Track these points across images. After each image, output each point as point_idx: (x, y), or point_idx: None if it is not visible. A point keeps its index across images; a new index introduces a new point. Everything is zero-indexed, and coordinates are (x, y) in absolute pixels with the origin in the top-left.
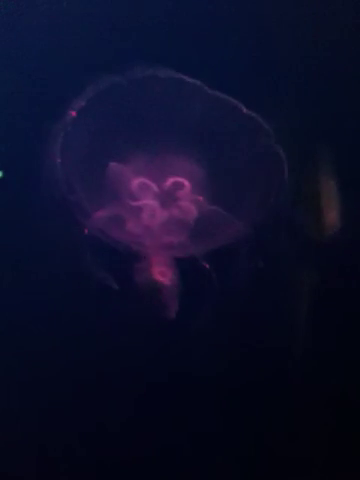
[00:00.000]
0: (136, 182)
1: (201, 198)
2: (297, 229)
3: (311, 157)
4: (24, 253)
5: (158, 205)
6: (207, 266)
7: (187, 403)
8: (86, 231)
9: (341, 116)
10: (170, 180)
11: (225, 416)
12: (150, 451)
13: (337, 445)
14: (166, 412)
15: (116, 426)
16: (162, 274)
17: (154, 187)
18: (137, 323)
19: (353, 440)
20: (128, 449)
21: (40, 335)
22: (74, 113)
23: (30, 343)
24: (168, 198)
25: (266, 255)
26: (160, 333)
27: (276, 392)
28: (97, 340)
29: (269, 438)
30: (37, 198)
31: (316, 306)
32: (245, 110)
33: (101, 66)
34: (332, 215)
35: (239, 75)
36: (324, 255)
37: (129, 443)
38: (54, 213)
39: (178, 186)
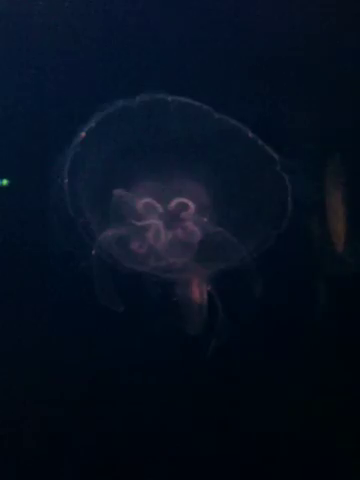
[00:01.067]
0: (142, 202)
1: (205, 220)
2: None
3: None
4: (29, 272)
5: (163, 225)
6: (210, 289)
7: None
8: (93, 252)
9: (348, 134)
10: (175, 201)
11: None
12: None
13: None
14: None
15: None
16: (194, 292)
17: (159, 208)
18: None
19: None
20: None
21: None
22: (83, 134)
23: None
24: (173, 219)
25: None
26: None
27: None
28: (101, 359)
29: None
30: (44, 220)
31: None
32: (251, 135)
33: (111, 89)
34: (345, 226)
35: (247, 100)
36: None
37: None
38: (61, 234)
39: (183, 207)
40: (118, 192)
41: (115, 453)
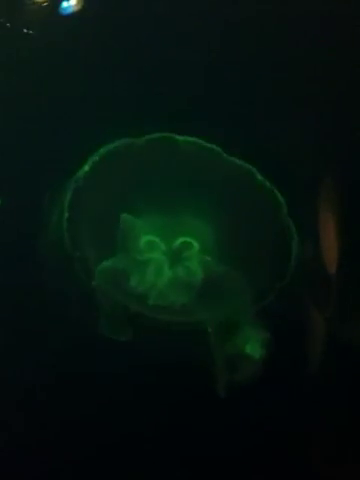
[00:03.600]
0: (145, 240)
1: (209, 259)
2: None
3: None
4: (22, 305)
5: (165, 262)
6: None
7: None
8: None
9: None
10: (179, 240)
11: None
12: None
13: None
14: None
15: None
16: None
17: (162, 245)
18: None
19: None
20: None
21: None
22: (87, 168)
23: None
24: (175, 257)
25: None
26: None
27: None
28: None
29: None
30: (39, 254)
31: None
32: (259, 177)
33: (119, 124)
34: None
35: (254, 142)
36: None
37: None
38: (56, 270)
39: (187, 246)
40: (124, 221)
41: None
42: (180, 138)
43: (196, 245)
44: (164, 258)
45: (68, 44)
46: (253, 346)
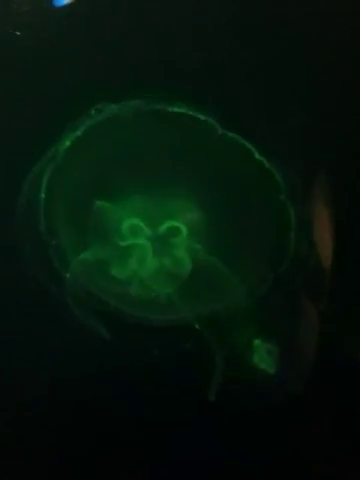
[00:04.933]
0: (127, 224)
1: (199, 246)
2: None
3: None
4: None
5: (149, 249)
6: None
7: None
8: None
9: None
10: (166, 224)
11: None
12: None
13: None
14: None
15: None
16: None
17: (147, 230)
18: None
19: None
20: None
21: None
22: (68, 143)
23: None
24: (161, 244)
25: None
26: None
27: None
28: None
29: None
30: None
31: None
32: (258, 156)
33: (103, 94)
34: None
35: (256, 115)
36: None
37: None
38: (29, 257)
39: (174, 232)
40: (101, 205)
41: None
42: (171, 109)
43: (184, 230)
44: (149, 244)
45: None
46: (261, 357)
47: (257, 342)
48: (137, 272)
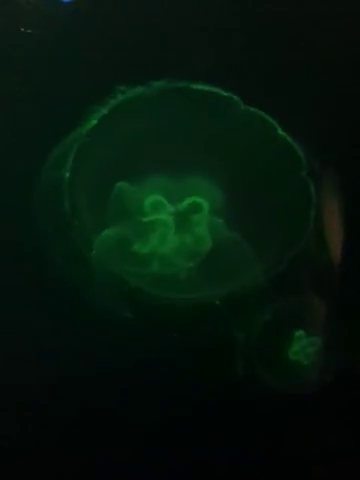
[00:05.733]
0: (150, 200)
1: (220, 221)
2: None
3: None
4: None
5: (171, 224)
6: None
7: None
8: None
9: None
10: (187, 200)
11: None
12: None
13: None
14: None
15: None
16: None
17: (169, 206)
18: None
19: None
20: None
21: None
22: (94, 122)
23: None
24: (183, 220)
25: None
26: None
27: None
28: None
29: None
30: (36, 223)
31: None
32: (281, 132)
33: (126, 74)
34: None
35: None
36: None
37: None
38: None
39: (196, 207)
40: (124, 183)
41: None
42: (195, 87)
43: (206, 206)
44: (171, 219)
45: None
46: (300, 348)
47: (299, 333)
48: (158, 247)
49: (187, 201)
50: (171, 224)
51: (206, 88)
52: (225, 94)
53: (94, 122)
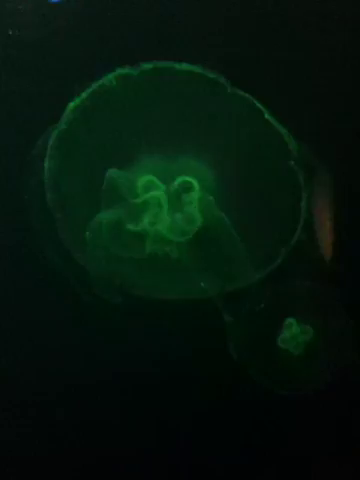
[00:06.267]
0: (142, 181)
1: (211, 198)
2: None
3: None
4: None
5: (164, 202)
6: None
7: None
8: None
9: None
10: (178, 180)
11: None
12: None
13: None
14: None
15: None
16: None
17: (161, 186)
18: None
19: None
20: None
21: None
22: (72, 106)
23: None
24: (175, 199)
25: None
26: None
27: None
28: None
29: None
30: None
31: None
32: (267, 116)
33: (108, 54)
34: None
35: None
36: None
37: None
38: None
39: (187, 186)
40: (114, 168)
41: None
42: (180, 67)
43: (196, 185)
44: (163, 196)
45: None
46: (291, 337)
47: (290, 321)
48: (151, 225)
49: (178, 180)
50: (164, 201)
51: (191, 69)
52: (211, 76)
53: (72, 107)
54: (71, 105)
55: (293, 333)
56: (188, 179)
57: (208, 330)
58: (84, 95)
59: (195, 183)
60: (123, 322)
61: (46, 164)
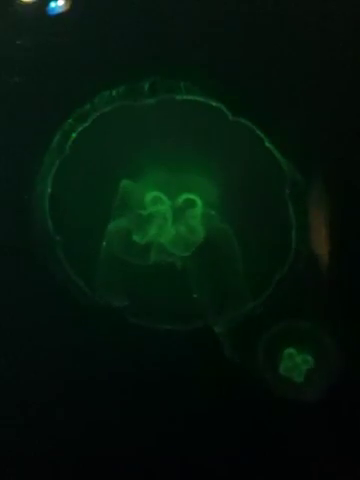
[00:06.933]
0: (149, 196)
1: (213, 213)
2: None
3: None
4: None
5: (169, 216)
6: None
7: None
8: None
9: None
10: (183, 196)
11: None
12: None
13: None
14: None
15: None
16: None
17: (167, 201)
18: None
19: None
20: None
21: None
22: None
23: None
24: (179, 214)
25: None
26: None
27: None
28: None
29: None
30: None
31: None
32: (268, 144)
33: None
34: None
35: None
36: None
37: None
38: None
39: (190, 203)
40: (125, 183)
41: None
42: (181, 97)
43: (199, 202)
44: (169, 211)
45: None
46: (292, 366)
47: (291, 351)
48: (156, 238)
49: (182, 197)
50: (169, 215)
51: (195, 98)
52: (213, 104)
53: (73, 136)
54: (73, 135)
55: (295, 363)
56: (191, 196)
57: (208, 330)
58: (86, 123)
59: (198, 200)
60: (123, 322)
61: (48, 189)
